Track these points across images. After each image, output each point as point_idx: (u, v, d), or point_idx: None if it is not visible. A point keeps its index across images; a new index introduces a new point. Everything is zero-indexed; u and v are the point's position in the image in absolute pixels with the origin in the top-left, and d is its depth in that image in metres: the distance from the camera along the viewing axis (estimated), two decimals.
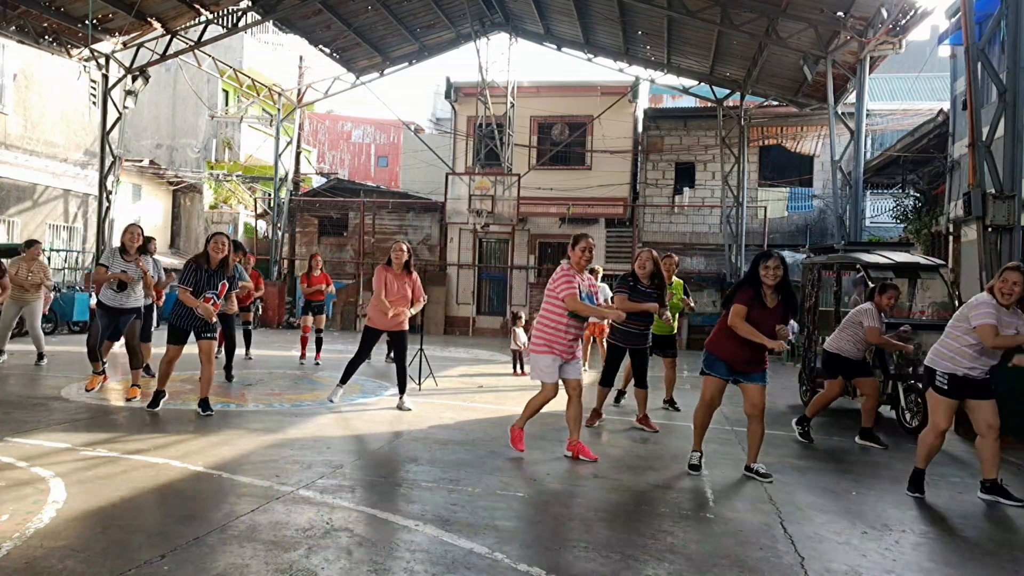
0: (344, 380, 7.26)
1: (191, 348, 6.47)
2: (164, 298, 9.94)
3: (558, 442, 5.90)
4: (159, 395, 6.60)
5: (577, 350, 5.39)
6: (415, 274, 7.21)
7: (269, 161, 21.38)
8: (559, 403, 5.56)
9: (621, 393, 7.91)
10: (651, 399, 7.33)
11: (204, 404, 6.42)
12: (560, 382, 5.37)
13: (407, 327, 7.18)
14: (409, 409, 7.05)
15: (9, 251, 11.01)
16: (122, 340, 7.40)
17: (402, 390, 7.19)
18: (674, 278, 7.80)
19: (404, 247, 7.15)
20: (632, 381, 6.96)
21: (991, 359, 4.62)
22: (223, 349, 8.70)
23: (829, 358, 6.54)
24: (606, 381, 6.79)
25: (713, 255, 19.16)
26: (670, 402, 7.88)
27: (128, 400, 6.89)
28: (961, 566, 3.56)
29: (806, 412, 6.64)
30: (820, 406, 6.56)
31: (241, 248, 9.24)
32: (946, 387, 4.64)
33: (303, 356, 10.68)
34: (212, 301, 6.32)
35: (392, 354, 10.13)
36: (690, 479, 4.91)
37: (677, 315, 7.87)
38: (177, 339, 6.41)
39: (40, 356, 9.29)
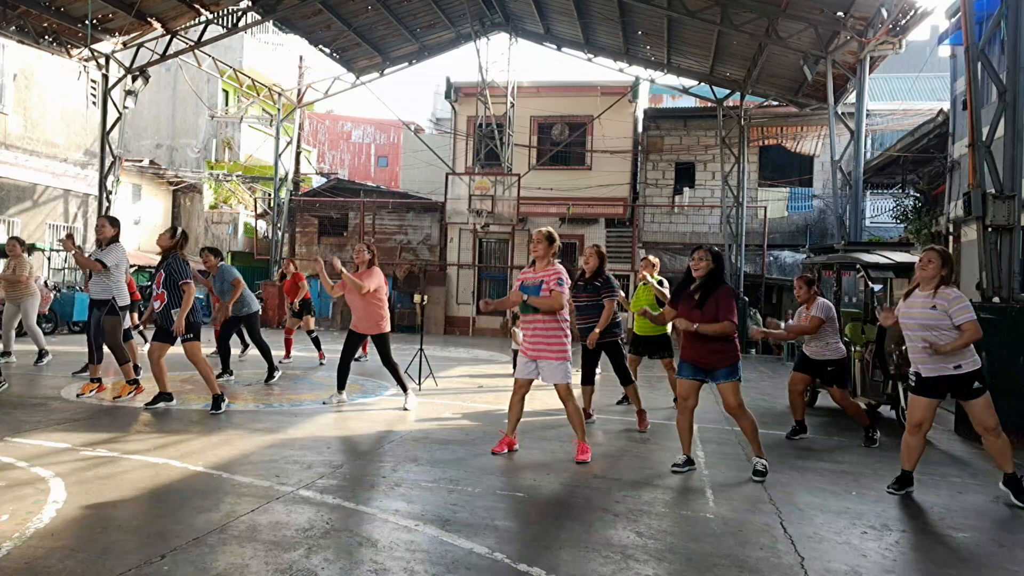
0: (341, 386, 7.27)
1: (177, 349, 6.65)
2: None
3: (557, 441, 5.90)
4: (161, 396, 6.69)
5: (545, 350, 5.23)
6: (374, 268, 7.09)
7: (269, 161, 21.40)
8: (554, 403, 5.59)
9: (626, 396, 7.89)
10: (658, 397, 7.33)
11: (214, 402, 6.55)
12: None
13: (385, 329, 7.13)
14: (407, 409, 7.06)
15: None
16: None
17: (403, 389, 7.21)
18: (653, 276, 7.75)
19: (363, 247, 7.16)
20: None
21: (913, 343, 4.61)
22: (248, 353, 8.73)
23: (798, 352, 6.80)
24: (586, 380, 6.72)
25: None
26: (677, 400, 7.90)
27: (115, 399, 6.93)
28: (961, 566, 3.55)
29: (794, 417, 6.69)
30: (794, 405, 6.63)
31: (210, 250, 9.12)
32: (913, 384, 4.71)
33: (286, 356, 10.75)
34: (155, 292, 6.57)
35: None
36: (690, 479, 4.91)
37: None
38: (157, 338, 6.63)
39: (40, 354, 9.29)
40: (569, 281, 5.36)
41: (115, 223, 7.21)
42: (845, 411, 6.60)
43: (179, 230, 6.78)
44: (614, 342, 6.61)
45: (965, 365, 4.51)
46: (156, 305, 6.57)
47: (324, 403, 7.20)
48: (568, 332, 5.36)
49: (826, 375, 6.45)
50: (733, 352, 4.97)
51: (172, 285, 6.48)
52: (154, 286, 6.59)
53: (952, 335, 4.47)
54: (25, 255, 9.38)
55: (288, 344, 10.97)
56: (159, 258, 6.73)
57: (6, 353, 9.28)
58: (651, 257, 8.01)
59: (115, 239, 7.13)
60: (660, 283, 7.79)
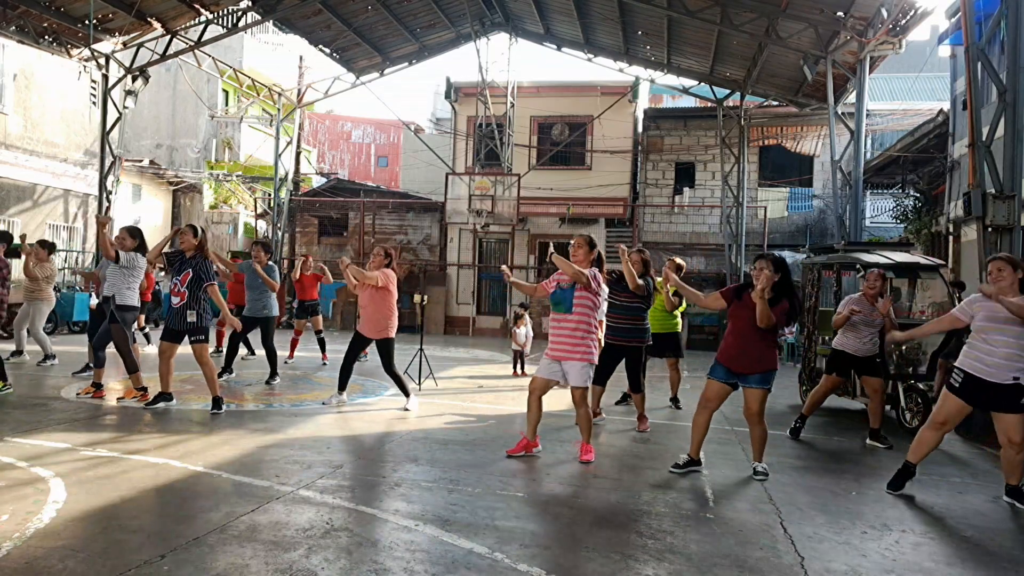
0: (342, 387, 7.24)
1: (184, 349, 6.66)
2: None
3: (558, 442, 5.91)
4: (161, 396, 6.68)
5: (572, 351, 5.17)
6: (388, 271, 7.03)
7: (269, 161, 21.38)
8: (559, 404, 5.58)
9: (626, 396, 7.88)
10: (658, 398, 7.29)
11: (215, 403, 6.55)
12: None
13: (390, 334, 7.03)
14: (408, 410, 7.06)
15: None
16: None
17: (405, 394, 7.16)
18: (670, 282, 7.75)
19: (380, 250, 7.12)
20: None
21: (996, 352, 4.40)
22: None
23: (833, 354, 6.59)
24: (598, 380, 6.60)
25: (713, 255, 19.17)
26: (674, 400, 7.92)
27: (119, 400, 6.93)
28: (961, 566, 3.56)
29: (803, 410, 6.68)
30: (812, 402, 6.61)
31: (263, 245, 9.08)
32: (958, 384, 4.56)
33: (290, 356, 10.71)
34: (176, 289, 6.52)
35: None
36: (690, 479, 4.91)
37: (679, 315, 7.84)
38: (166, 337, 6.63)
39: (45, 357, 9.29)
40: (603, 282, 5.28)
41: (135, 234, 7.10)
42: (873, 403, 6.45)
43: (200, 229, 6.75)
44: (638, 348, 6.55)
45: (1022, 377, 4.40)
46: (174, 301, 6.51)
47: (323, 403, 7.19)
48: (596, 337, 5.31)
49: (873, 366, 6.41)
50: (772, 359, 4.91)
51: (196, 285, 6.46)
52: (177, 283, 6.51)
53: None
54: (50, 261, 9.37)
55: (293, 344, 10.96)
56: (179, 255, 6.64)
57: (19, 352, 9.31)
58: (677, 259, 7.77)
59: (136, 250, 7.06)
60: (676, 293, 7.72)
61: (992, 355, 4.42)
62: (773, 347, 4.93)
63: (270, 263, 8.90)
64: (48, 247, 9.35)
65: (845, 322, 6.35)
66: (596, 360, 5.30)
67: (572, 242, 5.41)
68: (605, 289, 5.34)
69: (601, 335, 5.97)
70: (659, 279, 7.80)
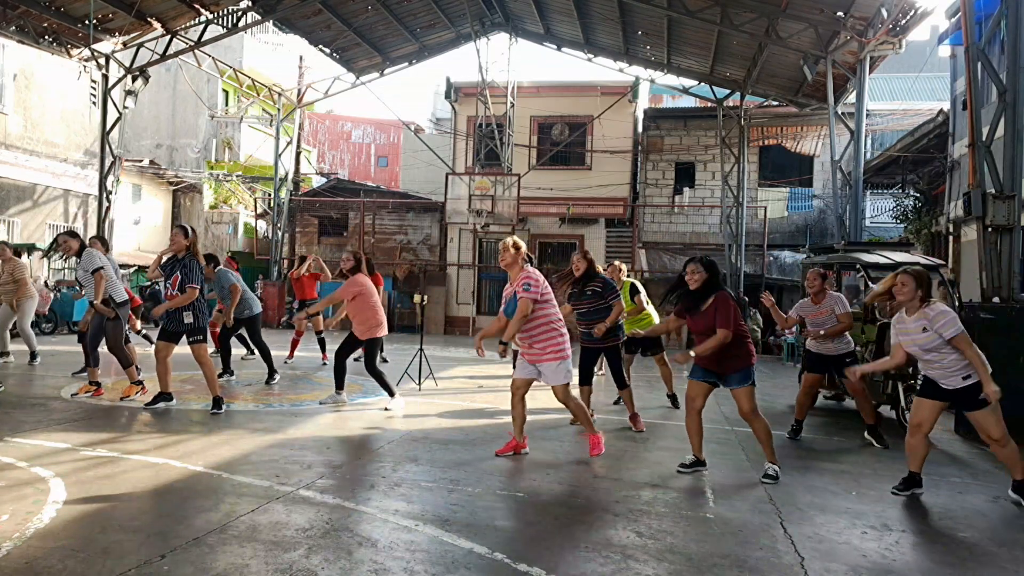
0: (339, 385, 7.26)
1: (183, 349, 6.68)
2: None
3: (557, 441, 5.91)
4: (161, 396, 6.68)
5: (543, 353, 5.24)
6: (355, 277, 7.11)
7: (269, 161, 21.39)
8: (554, 403, 5.59)
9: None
10: (655, 396, 7.26)
11: (215, 403, 6.55)
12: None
13: (377, 335, 7.12)
14: (388, 409, 7.04)
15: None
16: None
17: (389, 393, 7.18)
18: (623, 279, 7.71)
19: (349, 256, 7.21)
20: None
21: (925, 363, 4.61)
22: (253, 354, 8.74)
23: (805, 353, 6.88)
24: (583, 380, 6.64)
25: (713, 255, 19.14)
26: (672, 397, 7.92)
27: (121, 399, 6.95)
28: (961, 566, 3.55)
29: (795, 415, 6.70)
30: (800, 404, 6.67)
31: (214, 259, 9.05)
32: (919, 387, 4.80)
33: (290, 356, 10.70)
34: (168, 293, 6.56)
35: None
36: (690, 479, 4.91)
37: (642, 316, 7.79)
38: (162, 337, 6.65)
39: (32, 356, 9.30)
40: (537, 282, 5.25)
41: (74, 235, 7.36)
42: (859, 402, 6.50)
43: (191, 229, 6.72)
44: (614, 346, 6.59)
45: (974, 375, 4.44)
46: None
47: (321, 403, 7.20)
48: (563, 330, 5.33)
49: (844, 366, 6.42)
50: (746, 356, 4.88)
51: (184, 288, 6.48)
52: (169, 288, 6.55)
53: (952, 351, 4.45)
54: (20, 257, 9.40)
55: (294, 345, 10.96)
56: (172, 258, 6.61)
57: (3, 353, 9.29)
58: (617, 262, 7.93)
59: (82, 247, 7.22)
60: (635, 289, 7.71)
61: (934, 368, 4.56)
62: (744, 343, 4.90)
63: (217, 270, 8.84)
64: (12, 248, 9.41)
65: (790, 324, 6.76)
66: (569, 354, 5.30)
67: (500, 246, 5.44)
68: (545, 286, 5.34)
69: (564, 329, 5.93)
70: (625, 279, 7.78)
